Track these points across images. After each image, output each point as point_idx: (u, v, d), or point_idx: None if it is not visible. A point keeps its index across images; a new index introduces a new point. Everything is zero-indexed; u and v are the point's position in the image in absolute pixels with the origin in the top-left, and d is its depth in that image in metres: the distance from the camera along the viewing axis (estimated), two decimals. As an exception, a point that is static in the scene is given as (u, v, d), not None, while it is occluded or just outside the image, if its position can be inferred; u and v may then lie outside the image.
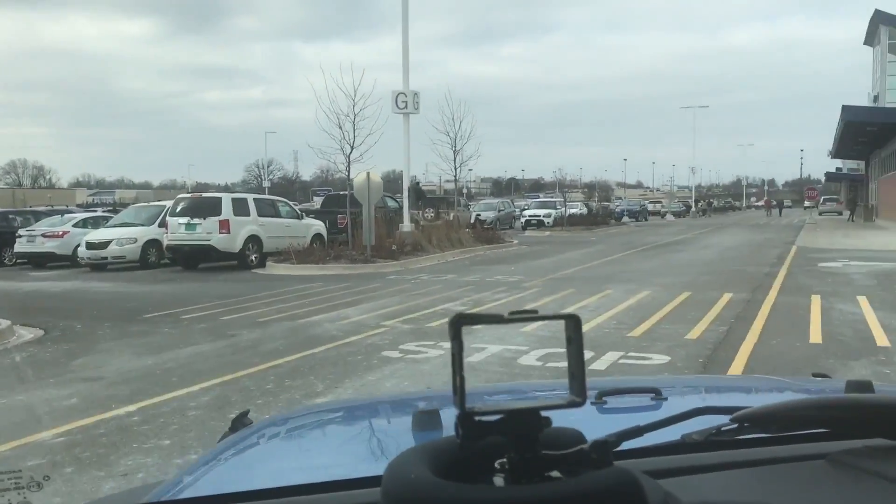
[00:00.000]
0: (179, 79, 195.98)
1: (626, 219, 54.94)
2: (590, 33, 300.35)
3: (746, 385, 2.38)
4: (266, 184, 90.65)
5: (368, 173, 18.84)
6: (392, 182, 43.78)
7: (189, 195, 21.42)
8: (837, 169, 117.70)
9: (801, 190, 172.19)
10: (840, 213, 64.79)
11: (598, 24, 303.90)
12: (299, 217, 21.26)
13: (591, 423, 1.06)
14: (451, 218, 27.74)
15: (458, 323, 0.78)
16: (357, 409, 2.07)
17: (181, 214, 19.39)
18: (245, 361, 8.09)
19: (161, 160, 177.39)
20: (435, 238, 22.08)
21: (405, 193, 22.51)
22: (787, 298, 11.96)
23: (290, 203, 23.43)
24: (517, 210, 47.21)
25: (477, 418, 0.80)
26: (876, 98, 51.47)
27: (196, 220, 19.08)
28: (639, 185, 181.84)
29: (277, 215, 20.52)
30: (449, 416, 1.05)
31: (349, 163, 19.58)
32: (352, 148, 19.38)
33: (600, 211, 57.10)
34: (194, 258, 19.34)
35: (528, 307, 11.97)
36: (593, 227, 38.81)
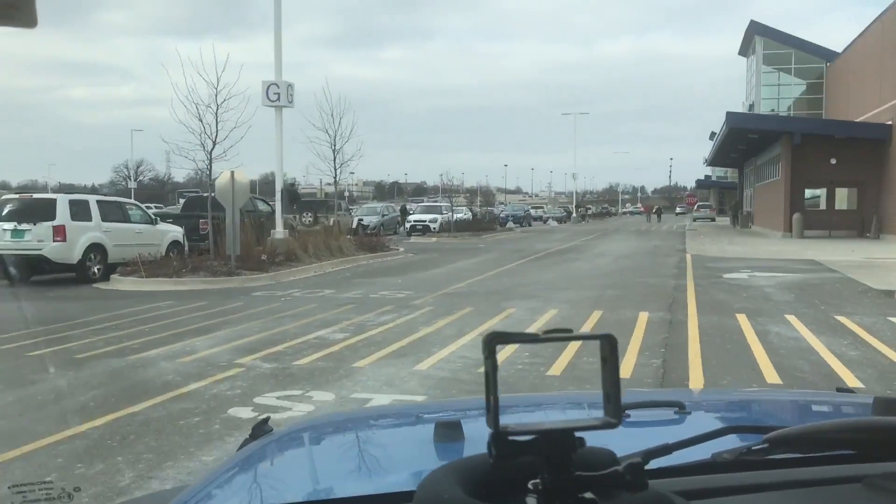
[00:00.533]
0: (41, 74, 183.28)
1: (511, 224, 54.06)
2: (470, 40, 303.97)
3: (771, 400, 2.30)
4: (133, 185, 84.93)
5: (233, 172, 16.40)
6: (269, 185, 40.96)
7: (17, 196, 18.13)
8: (706, 177, 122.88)
9: (670, 197, 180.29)
10: (713, 220, 66.62)
11: (477, 31, 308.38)
12: (153, 222, 18.49)
13: (616, 438, 0.98)
14: (331, 223, 25.45)
15: (493, 342, 0.79)
16: (377, 419, 2.09)
17: (6, 219, 16.28)
18: (30, 429, 5.73)
19: (21, 159, 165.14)
20: (312, 246, 19.81)
21: (278, 196, 20.12)
22: (712, 319, 10.55)
23: (142, 206, 20.53)
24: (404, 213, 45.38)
25: (510, 438, 0.80)
26: (751, 107, 52.84)
27: (25, 226, 16.06)
28: (518, 191, 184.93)
29: (126, 220, 17.69)
30: (470, 427, 1.23)
31: (211, 161, 17.05)
32: (214, 143, 16.86)
33: (487, 216, 56.17)
34: (23, 270, 16.29)
35: (420, 332, 10.11)
36: (480, 232, 37.36)
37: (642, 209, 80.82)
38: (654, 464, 1.00)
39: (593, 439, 0.87)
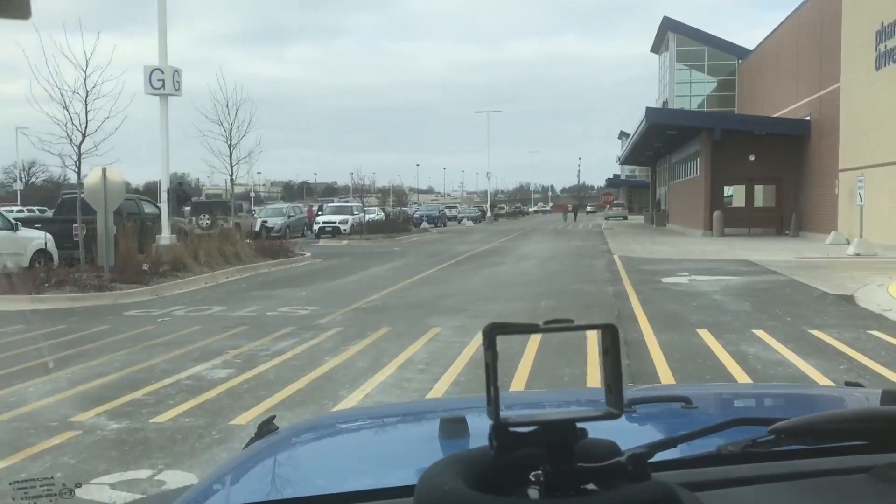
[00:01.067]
0: None
1: (426, 224, 52.34)
2: (377, 39, 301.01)
3: (779, 394, 2.25)
4: (19, 187, 79.17)
5: (104, 170, 13.98)
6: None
7: None
8: (615, 175, 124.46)
9: (579, 196, 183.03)
10: (625, 218, 66.68)
11: (384, 30, 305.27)
12: (13, 228, 15.80)
13: (621, 433, 1.01)
14: (230, 226, 23.04)
15: (493, 332, 0.79)
16: (383, 416, 2.10)
17: None
18: None
19: None
20: (204, 253, 17.47)
21: (163, 196, 17.69)
22: (672, 337, 8.98)
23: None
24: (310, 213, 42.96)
25: (511, 429, 0.80)
26: (664, 104, 52.70)
27: None
28: (430, 191, 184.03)
29: (-24, 226, 15.02)
30: (475, 423, 1.17)
31: (80, 156, 14.53)
32: (83, 136, 14.34)
33: (400, 217, 54.23)
34: None
35: (325, 365, 7.98)
36: (394, 234, 35.38)
37: (560, 208, 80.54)
38: (658, 456, 0.97)
39: (598, 434, 0.87)
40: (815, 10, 30.00)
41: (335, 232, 37.23)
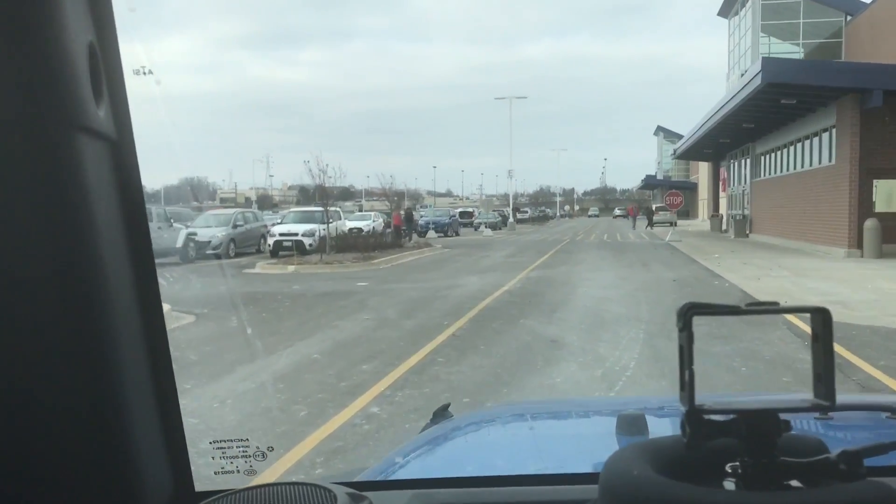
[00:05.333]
0: None
1: (432, 234, 41.06)
2: (389, 42, 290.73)
3: None
4: None
5: None
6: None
7: None
8: (648, 176, 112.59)
9: (604, 198, 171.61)
10: (673, 224, 54.90)
11: (396, 33, 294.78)
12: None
13: (819, 434, 0.93)
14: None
15: (689, 312, 0.73)
16: (556, 409, 2.10)
17: None
18: None
19: None
20: None
21: None
22: None
23: None
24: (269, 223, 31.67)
25: (707, 417, 0.74)
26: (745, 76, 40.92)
27: None
28: (449, 194, 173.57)
29: None
30: (654, 422, 1.20)
31: None
32: None
33: (404, 226, 42.94)
34: None
35: None
36: (375, 253, 23.99)
37: (628, 211, 67.56)
38: (870, 462, 0.85)
39: (797, 430, 0.82)
40: None
41: (298, 247, 26.03)
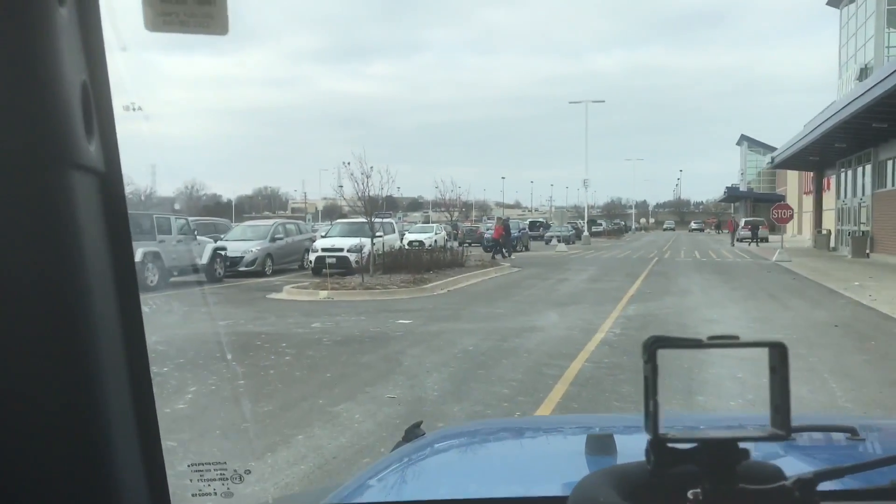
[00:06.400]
0: None
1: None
2: (457, 54, 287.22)
3: None
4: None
5: None
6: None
7: None
8: (729, 188, 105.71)
9: (679, 211, 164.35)
10: (764, 240, 49.12)
11: (464, 45, 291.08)
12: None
13: (781, 459, 0.94)
14: None
15: (654, 346, 0.76)
16: (527, 428, 2.11)
17: None
18: None
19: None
20: None
21: None
22: None
23: None
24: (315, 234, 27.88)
25: (670, 445, 0.78)
26: (864, 70, 35.48)
27: None
28: (517, 205, 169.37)
29: None
30: (623, 441, 1.23)
31: None
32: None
33: (464, 237, 39.11)
34: None
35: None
36: (429, 275, 19.86)
37: (728, 226, 61.38)
38: (823, 486, 0.91)
39: (756, 457, 0.84)
40: None
41: (342, 265, 22.22)
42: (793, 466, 0.92)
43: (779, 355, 0.78)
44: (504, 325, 11.62)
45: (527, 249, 40.05)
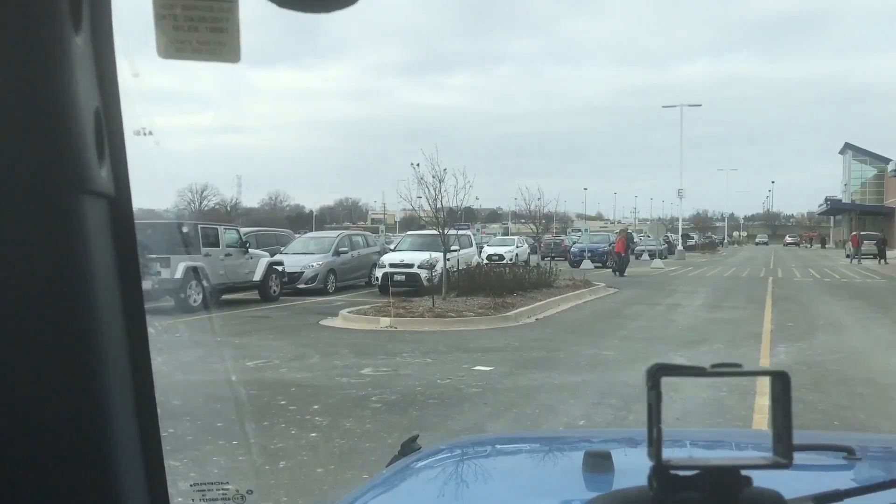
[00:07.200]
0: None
1: (587, 263, 33.48)
2: (538, 65, 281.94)
3: None
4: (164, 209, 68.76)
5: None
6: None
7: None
8: (828, 200, 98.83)
9: (770, 224, 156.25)
10: (880, 257, 43.95)
11: (545, 56, 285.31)
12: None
13: (780, 480, 0.98)
14: None
15: (658, 374, 0.78)
16: (524, 443, 2.12)
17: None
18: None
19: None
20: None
21: None
22: None
23: None
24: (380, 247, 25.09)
25: (672, 472, 0.79)
26: None
27: None
28: (599, 217, 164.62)
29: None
30: (620, 458, 1.23)
31: None
32: None
33: (549, 248, 35.87)
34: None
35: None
36: (516, 293, 16.76)
37: (811, 236, 56.78)
38: None
39: (756, 481, 0.87)
40: None
41: (412, 283, 19.41)
42: (791, 489, 0.92)
43: (781, 385, 0.79)
44: (619, 379, 8.49)
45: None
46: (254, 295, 18.75)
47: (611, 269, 30.88)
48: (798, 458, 1.30)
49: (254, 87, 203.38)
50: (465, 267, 18.97)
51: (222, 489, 1.26)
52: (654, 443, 0.77)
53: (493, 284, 16.85)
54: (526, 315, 14.50)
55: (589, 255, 34.86)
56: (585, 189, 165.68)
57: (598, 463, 1.36)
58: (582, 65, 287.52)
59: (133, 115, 0.85)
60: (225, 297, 18.49)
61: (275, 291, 19.10)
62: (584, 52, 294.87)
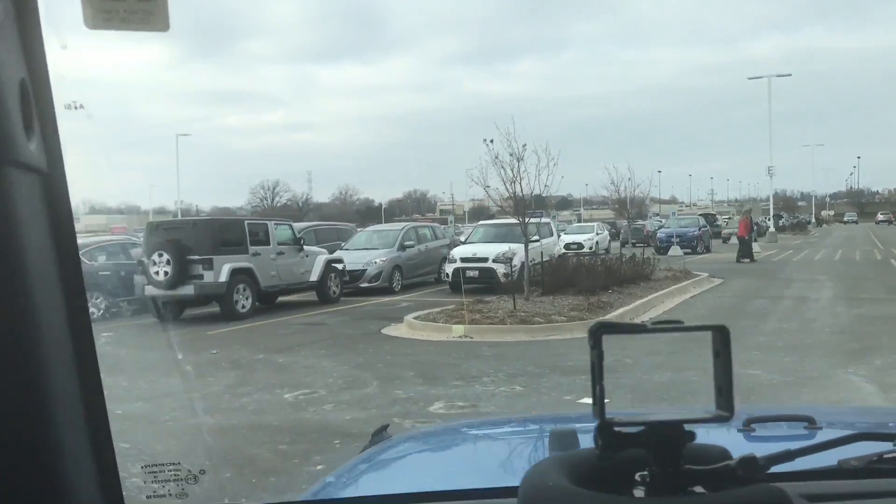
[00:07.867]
0: (195, 104, 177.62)
1: (675, 250, 30.57)
2: (602, 48, 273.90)
3: None
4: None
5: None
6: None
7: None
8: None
9: (857, 202, 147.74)
10: None
11: (610, 38, 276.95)
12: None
13: (738, 450, 0.97)
14: None
15: (598, 332, 0.79)
16: (492, 427, 2.13)
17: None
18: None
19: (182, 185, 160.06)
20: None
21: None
22: None
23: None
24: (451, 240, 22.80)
25: (617, 429, 0.79)
26: None
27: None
28: (673, 200, 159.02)
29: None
30: (587, 438, 1.13)
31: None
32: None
33: (623, 238, 32.75)
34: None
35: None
36: (611, 289, 14.28)
37: None
38: (775, 469, 0.93)
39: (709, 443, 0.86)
40: None
41: (487, 279, 17.09)
42: (745, 452, 0.89)
43: (721, 339, 0.78)
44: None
45: (708, 251, 33.53)
46: (312, 296, 16.78)
47: (701, 254, 27.85)
48: (758, 429, 1.36)
49: (320, 84, 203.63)
50: (547, 259, 16.52)
51: (174, 469, 1.24)
52: (598, 401, 0.77)
53: (582, 279, 14.39)
54: (628, 317, 12.03)
55: (677, 240, 31.91)
56: (660, 172, 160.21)
57: (564, 441, 1.35)
58: (649, 46, 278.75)
59: (64, 88, 0.82)
60: (281, 299, 16.58)
61: (335, 292, 17.07)
62: (651, 33, 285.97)
